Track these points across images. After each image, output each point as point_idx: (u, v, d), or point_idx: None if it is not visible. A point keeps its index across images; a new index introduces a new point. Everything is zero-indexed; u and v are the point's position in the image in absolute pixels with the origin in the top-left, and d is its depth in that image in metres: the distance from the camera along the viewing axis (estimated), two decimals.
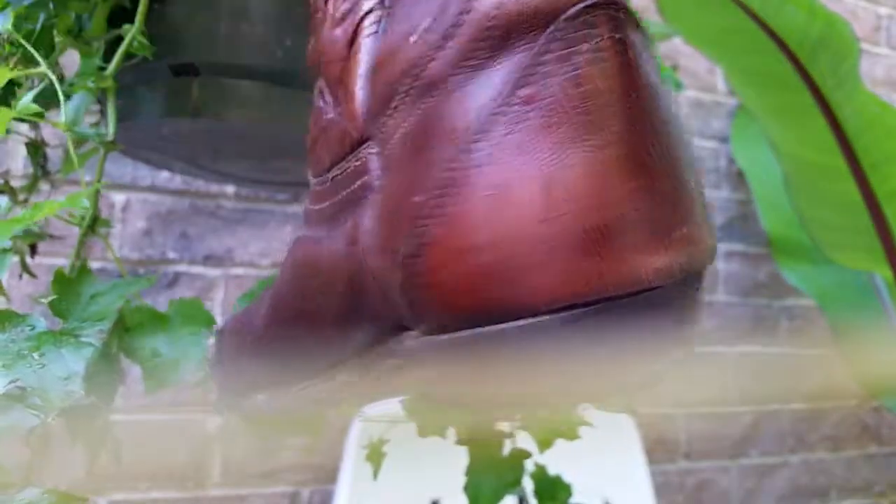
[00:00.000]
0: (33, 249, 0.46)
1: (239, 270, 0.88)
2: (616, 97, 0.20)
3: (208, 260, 0.87)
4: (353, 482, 0.80)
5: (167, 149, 0.52)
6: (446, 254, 0.20)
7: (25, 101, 0.34)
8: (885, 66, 1.31)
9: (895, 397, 1.02)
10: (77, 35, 0.41)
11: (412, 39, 0.22)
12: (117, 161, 0.81)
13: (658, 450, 1.09)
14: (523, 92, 0.20)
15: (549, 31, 0.20)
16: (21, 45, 0.37)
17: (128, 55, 0.40)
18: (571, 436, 0.47)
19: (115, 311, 0.36)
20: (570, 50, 0.20)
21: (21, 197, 0.46)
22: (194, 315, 0.40)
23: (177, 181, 0.86)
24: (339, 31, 0.26)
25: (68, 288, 0.36)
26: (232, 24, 0.43)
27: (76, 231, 0.39)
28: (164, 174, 0.85)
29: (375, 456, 0.49)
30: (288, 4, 0.44)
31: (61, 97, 0.36)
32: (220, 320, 0.83)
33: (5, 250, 0.35)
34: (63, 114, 0.37)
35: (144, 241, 0.84)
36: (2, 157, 0.78)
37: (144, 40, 0.40)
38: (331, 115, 0.27)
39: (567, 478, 0.53)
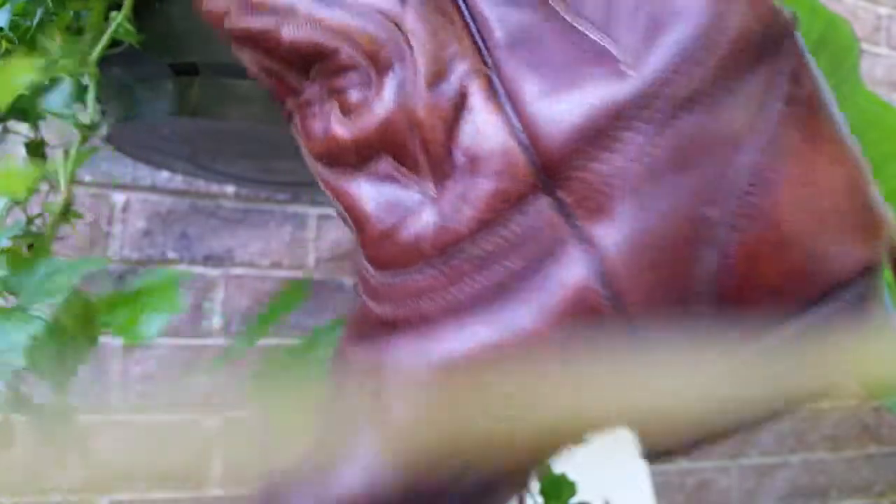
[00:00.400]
0: (31, 249, 0.45)
1: (239, 270, 0.88)
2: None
3: (208, 260, 0.87)
4: None
5: (167, 149, 0.52)
6: (766, 247, 0.23)
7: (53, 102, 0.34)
8: (885, 66, 1.30)
9: (895, 397, 1.02)
10: (76, 32, 0.41)
11: (630, 72, 0.23)
12: (117, 161, 0.81)
13: None
14: (795, 92, 0.24)
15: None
16: (19, 42, 0.37)
17: (116, 43, 0.40)
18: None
19: (68, 288, 0.35)
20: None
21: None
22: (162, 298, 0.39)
23: (177, 181, 0.86)
24: (431, 99, 0.25)
25: (21, 265, 0.36)
26: None
27: (76, 231, 0.39)
28: (164, 174, 0.85)
29: None
30: None
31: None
32: (219, 320, 0.83)
33: (3, 250, 0.35)
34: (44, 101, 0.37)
35: (144, 241, 0.84)
36: (1, 157, 0.78)
37: (130, 27, 0.40)
38: (425, 190, 0.26)
39: (570, 478, 0.53)
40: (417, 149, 0.25)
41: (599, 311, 0.24)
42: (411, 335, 0.25)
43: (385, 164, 0.26)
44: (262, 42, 0.27)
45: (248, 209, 0.89)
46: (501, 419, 0.24)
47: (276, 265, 0.90)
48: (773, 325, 0.24)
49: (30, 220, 0.43)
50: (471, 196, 0.25)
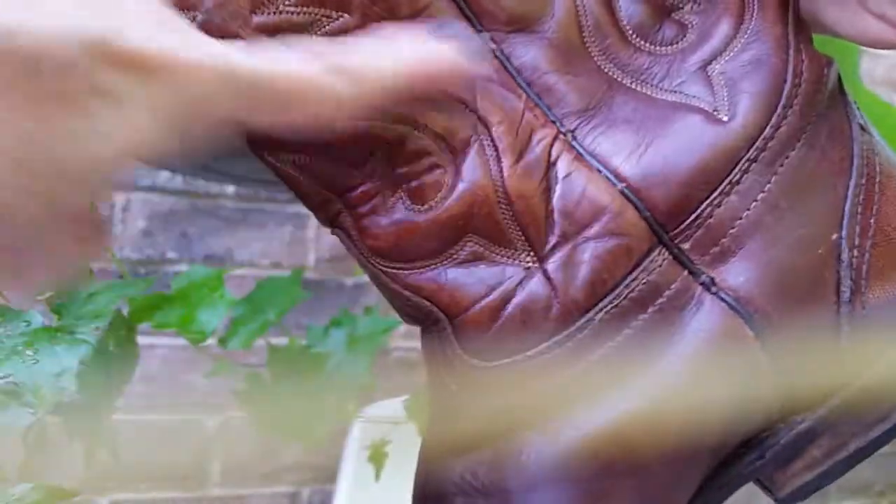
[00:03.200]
0: None
1: (239, 270, 0.88)
2: None
3: (208, 260, 0.87)
4: (353, 482, 0.80)
5: None
6: (889, 260, 0.26)
7: None
8: (885, 66, 1.30)
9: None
10: None
11: (724, 118, 0.25)
12: None
13: None
14: (862, 120, 0.27)
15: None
16: None
17: None
18: None
19: (111, 311, 0.36)
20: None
21: None
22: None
23: (177, 181, 0.86)
24: (519, 170, 0.25)
25: (64, 286, 0.36)
26: None
27: None
28: (164, 174, 0.85)
29: (378, 457, 0.49)
30: None
31: None
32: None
33: None
34: None
35: (144, 242, 0.84)
36: None
37: None
38: (523, 263, 0.25)
39: None
40: (509, 223, 0.25)
41: (744, 342, 0.24)
42: (536, 425, 0.24)
43: (471, 247, 0.25)
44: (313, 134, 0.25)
45: (248, 209, 0.89)
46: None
47: (276, 265, 0.90)
48: None
49: None
50: (582, 260, 0.24)
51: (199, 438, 0.83)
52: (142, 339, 0.40)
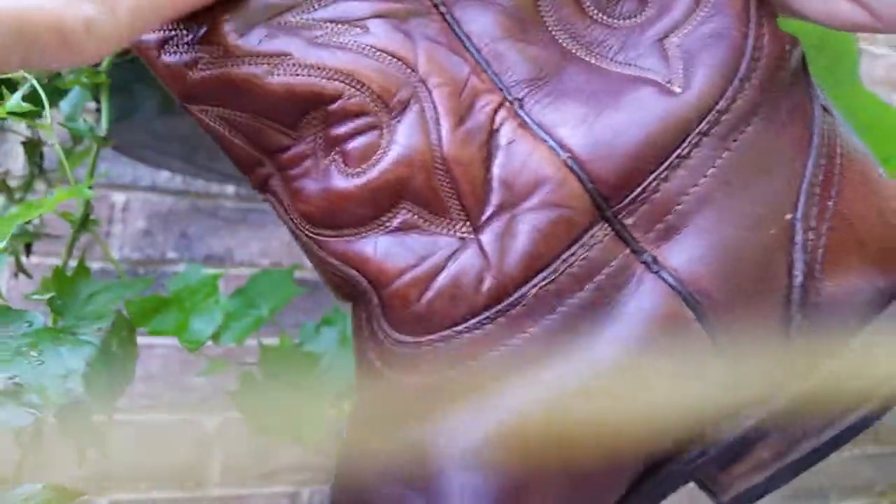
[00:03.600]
0: (28, 249, 0.46)
1: (239, 270, 0.88)
2: None
3: (208, 260, 0.87)
4: None
5: (165, 148, 0.52)
6: (847, 245, 0.25)
7: (14, 100, 0.34)
8: (885, 66, 1.30)
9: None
10: None
11: (677, 90, 0.24)
12: (117, 161, 0.81)
13: None
14: (825, 102, 0.26)
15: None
16: None
17: (124, 51, 0.40)
18: None
19: (112, 311, 0.36)
20: None
21: (17, 196, 0.46)
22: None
23: (177, 181, 0.86)
24: (459, 136, 0.24)
25: (66, 286, 0.36)
26: None
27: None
28: (164, 174, 0.85)
29: None
30: None
31: (44, 99, 0.36)
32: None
33: (1, 250, 0.35)
34: (48, 115, 0.37)
35: (144, 241, 0.84)
36: (1, 158, 0.79)
37: None
38: (458, 234, 0.24)
39: None
40: (446, 190, 0.24)
41: (686, 326, 0.23)
42: (463, 404, 0.23)
43: (404, 214, 0.24)
44: (243, 93, 0.24)
45: (248, 209, 0.89)
46: (591, 448, 0.22)
47: (276, 265, 0.90)
48: (860, 324, 0.24)
49: (27, 220, 0.43)
50: (520, 231, 0.23)
51: (199, 438, 0.83)
52: (141, 339, 0.40)
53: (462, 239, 0.24)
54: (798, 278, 0.24)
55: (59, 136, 0.41)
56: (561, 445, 0.22)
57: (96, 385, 0.34)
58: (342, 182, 0.24)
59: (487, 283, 0.23)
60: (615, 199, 0.23)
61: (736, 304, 0.23)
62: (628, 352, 0.23)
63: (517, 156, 0.24)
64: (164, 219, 0.85)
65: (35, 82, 0.36)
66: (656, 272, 0.23)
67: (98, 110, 0.42)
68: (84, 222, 0.40)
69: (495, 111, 0.24)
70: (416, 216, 0.24)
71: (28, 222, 0.41)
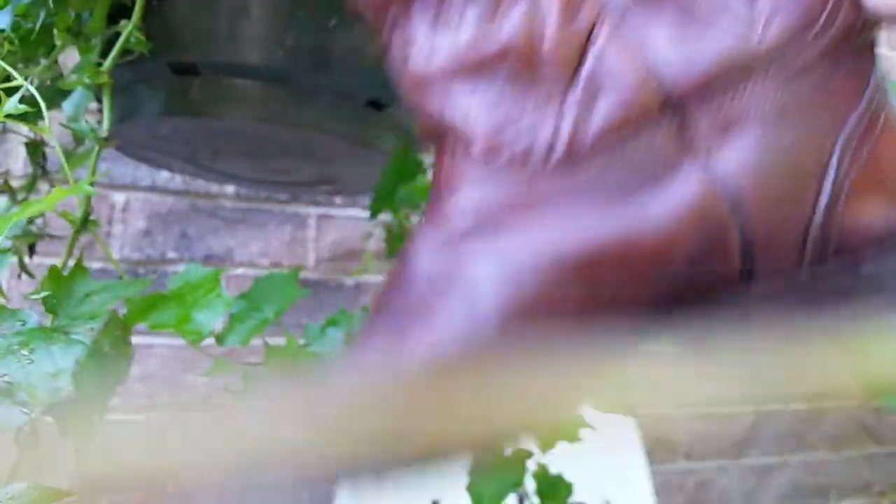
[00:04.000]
0: (32, 249, 0.45)
1: (239, 270, 0.88)
2: None
3: (208, 260, 0.87)
4: (353, 482, 0.80)
5: (167, 148, 0.52)
6: (869, 182, 0.28)
7: (11, 104, 0.34)
8: (885, 66, 1.30)
9: (895, 397, 1.02)
10: (77, 33, 0.41)
11: (754, 37, 0.28)
12: (117, 161, 0.81)
13: (658, 450, 1.09)
14: (882, 73, 0.30)
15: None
16: (20, 44, 0.37)
17: (126, 52, 0.40)
18: (572, 438, 0.47)
19: (107, 311, 0.35)
20: None
21: (20, 197, 0.46)
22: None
23: (177, 181, 0.86)
24: (563, 27, 0.28)
25: (61, 285, 0.36)
26: (233, 22, 0.43)
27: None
28: (164, 174, 0.85)
29: None
30: (289, 3, 0.44)
31: (40, 101, 0.36)
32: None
33: (4, 250, 0.35)
34: (47, 119, 0.37)
35: (144, 241, 0.84)
36: (2, 158, 0.78)
37: (141, 36, 0.40)
38: (544, 98, 0.28)
39: (567, 478, 0.53)
40: (542, 63, 0.28)
41: (721, 220, 0.27)
42: (519, 230, 0.27)
43: (504, 73, 0.28)
44: None
45: (248, 209, 0.89)
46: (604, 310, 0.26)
47: (276, 265, 0.90)
48: (867, 263, 0.28)
49: (30, 220, 0.43)
50: (598, 107, 0.28)
51: None
52: (141, 339, 0.40)
53: (546, 102, 0.28)
54: (821, 209, 0.28)
55: (61, 137, 0.41)
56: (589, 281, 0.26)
57: (87, 384, 0.34)
58: (468, 34, 0.29)
59: (558, 153, 0.28)
60: (685, 101, 0.28)
61: (763, 212, 0.28)
62: (668, 217, 0.27)
63: (609, 55, 0.28)
64: (164, 219, 0.85)
65: (31, 88, 0.36)
66: (702, 169, 0.27)
67: (100, 110, 0.42)
68: (84, 222, 0.40)
69: (598, 16, 0.28)
70: (513, 77, 0.28)
71: (31, 222, 0.41)
